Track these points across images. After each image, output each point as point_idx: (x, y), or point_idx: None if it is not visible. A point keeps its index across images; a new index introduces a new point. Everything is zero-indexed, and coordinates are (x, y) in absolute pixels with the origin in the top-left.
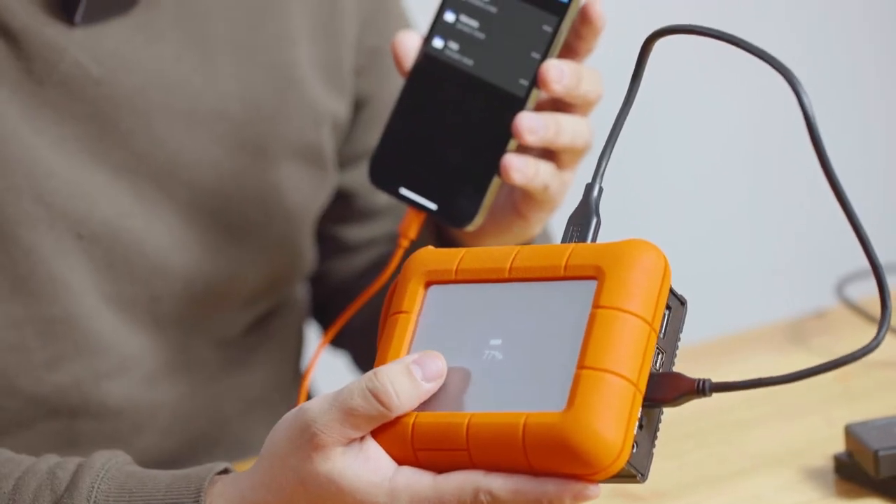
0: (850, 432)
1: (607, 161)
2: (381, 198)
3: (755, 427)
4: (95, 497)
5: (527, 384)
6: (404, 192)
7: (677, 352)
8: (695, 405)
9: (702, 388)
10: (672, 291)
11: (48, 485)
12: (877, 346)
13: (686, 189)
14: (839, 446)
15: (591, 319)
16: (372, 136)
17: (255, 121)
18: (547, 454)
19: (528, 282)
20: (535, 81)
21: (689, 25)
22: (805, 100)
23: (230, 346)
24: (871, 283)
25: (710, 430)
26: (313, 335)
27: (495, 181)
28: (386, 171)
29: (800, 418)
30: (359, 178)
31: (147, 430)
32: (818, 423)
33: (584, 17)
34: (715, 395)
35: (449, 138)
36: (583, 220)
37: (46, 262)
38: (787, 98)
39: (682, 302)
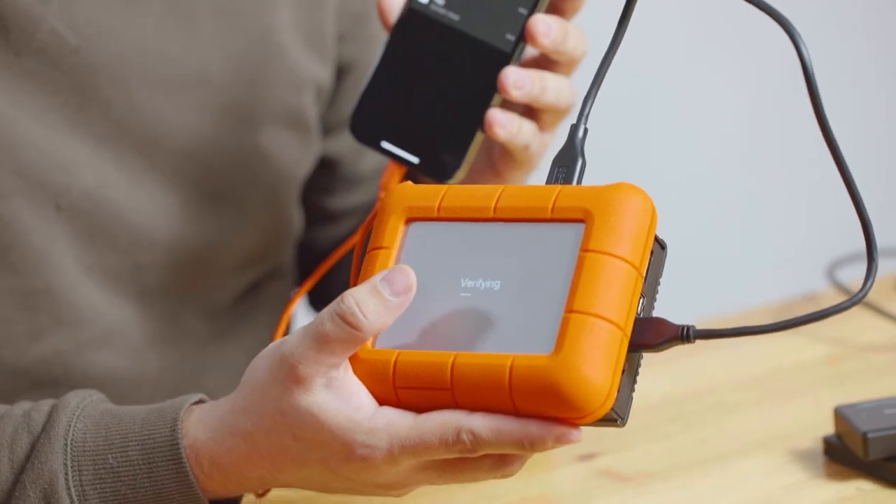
0: (839, 414)
1: (592, 103)
2: (365, 165)
3: (744, 410)
4: (73, 435)
5: (513, 326)
6: (386, 145)
7: (657, 295)
8: (683, 387)
9: (686, 335)
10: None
11: (24, 427)
12: (864, 296)
13: (678, 173)
14: (828, 429)
15: (580, 263)
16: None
17: (237, 86)
18: (533, 397)
19: (513, 222)
20: (522, 36)
21: None
22: (804, 51)
23: (219, 315)
24: (862, 268)
25: (699, 412)
26: (300, 307)
27: (478, 136)
28: (367, 125)
29: (788, 401)
30: (343, 145)
31: (131, 402)
32: (807, 405)
33: None
34: (705, 379)
35: (432, 92)
36: (568, 161)
37: (25, 233)
38: (780, 83)
39: (663, 246)
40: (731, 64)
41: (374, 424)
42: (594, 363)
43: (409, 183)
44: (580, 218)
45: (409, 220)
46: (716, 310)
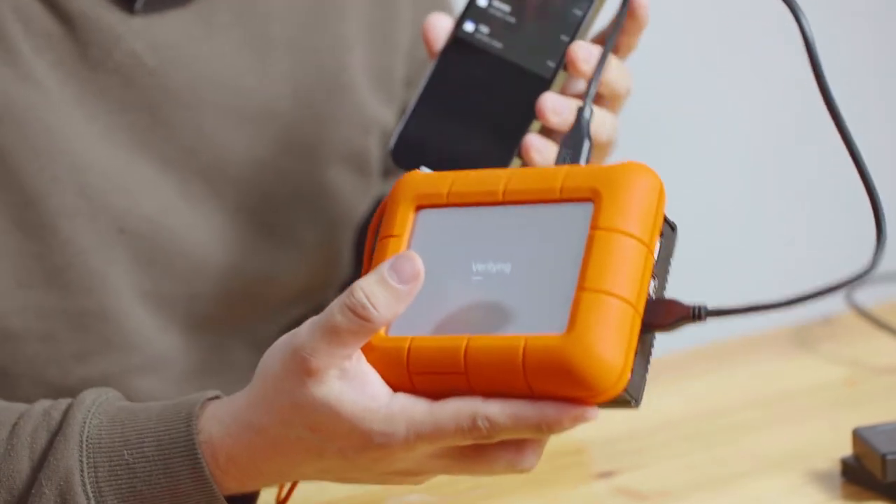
0: (858, 436)
1: (597, 83)
2: None
3: (762, 429)
4: (88, 431)
5: (525, 307)
6: (425, 171)
7: (668, 277)
8: (702, 407)
9: (697, 314)
10: (664, 217)
11: (44, 425)
12: (873, 268)
13: (693, 192)
14: (846, 450)
15: (590, 241)
16: None
17: (305, 122)
18: (547, 377)
19: (522, 205)
20: (563, 63)
21: None
22: (804, 23)
23: (263, 349)
24: (880, 290)
25: (717, 431)
26: None
27: (515, 162)
28: (408, 151)
29: (806, 421)
30: None
31: None
32: (824, 426)
33: (630, 11)
34: (722, 399)
35: (473, 119)
36: (575, 142)
37: (84, 254)
38: (796, 102)
39: (673, 228)
40: (744, 79)
41: (391, 411)
42: (607, 340)
43: (419, 171)
44: (588, 197)
45: (418, 208)
46: (730, 331)
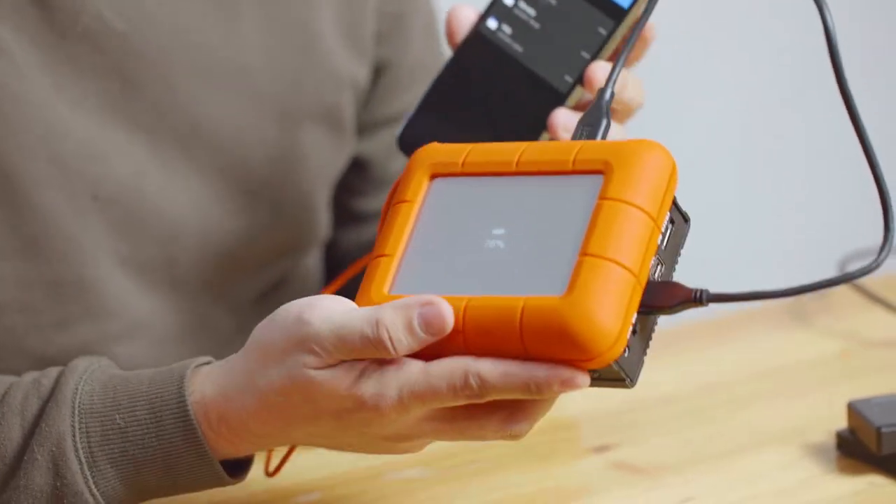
0: (853, 409)
1: (621, 67)
2: (395, 167)
3: (757, 403)
4: (80, 397)
5: (528, 271)
6: None
7: (676, 267)
8: (698, 381)
9: (699, 297)
10: (677, 205)
11: (34, 392)
12: (877, 266)
13: (688, 166)
14: (840, 423)
15: (597, 210)
16: (390, 103)
17: (277, 81)
18: (543, 338)
19: (534, 175)
20: (580, 79)
21: None
22: (828, 16)
23: (242, 311)
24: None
25: (713, 406)
26: None
27: None
28: (415, 139)
29: (801, 395)
30: (375, 146)
31: None
32: (820, 400)
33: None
34: (718, 373)
35: (484, 118)
36: (593, 120)
37: (59, 222)
38: (787, 75)
39: (686, 219)
40: (742, 53)
41: (385, 370)
42: (604, 305)
43: (436, 143)
44: (599, 169)
45: (433, 176)
46: (726, 306)
